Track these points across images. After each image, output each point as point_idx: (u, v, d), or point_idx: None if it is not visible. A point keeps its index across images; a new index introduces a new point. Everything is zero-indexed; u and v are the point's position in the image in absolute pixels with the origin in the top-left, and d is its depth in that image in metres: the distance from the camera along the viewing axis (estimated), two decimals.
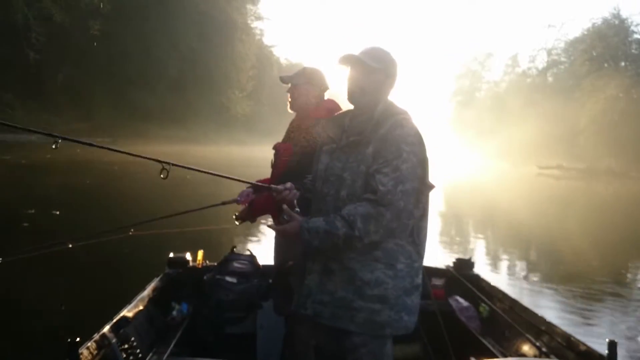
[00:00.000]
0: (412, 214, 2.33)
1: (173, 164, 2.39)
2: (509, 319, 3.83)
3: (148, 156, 2.47)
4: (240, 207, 3.60)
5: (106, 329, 3.14)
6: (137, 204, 13.14)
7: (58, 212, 11.18)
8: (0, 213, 10.89)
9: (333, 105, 3.24)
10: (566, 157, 50.88)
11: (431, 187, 2.40)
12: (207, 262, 4.61)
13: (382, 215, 2.23)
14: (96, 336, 3.00)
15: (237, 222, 3.63)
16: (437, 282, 4.55)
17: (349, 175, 2.35)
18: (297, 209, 2.45)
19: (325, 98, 3.39)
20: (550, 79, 73.36)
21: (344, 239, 2.25)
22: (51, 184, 16.50)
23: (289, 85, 3.37)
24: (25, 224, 10.02)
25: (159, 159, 2.38)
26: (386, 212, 2.23)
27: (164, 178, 2.36)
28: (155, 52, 43.50)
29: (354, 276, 2.32)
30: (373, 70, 2.43)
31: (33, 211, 11.08)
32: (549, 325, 3.64)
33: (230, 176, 2.52)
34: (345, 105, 2.68)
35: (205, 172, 2.56)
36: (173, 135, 41.86)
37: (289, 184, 2.47)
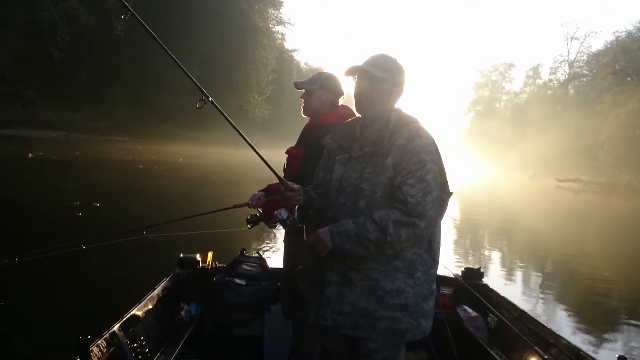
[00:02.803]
0: (437, 222, 2.35)
1: (211, 100, 2.56)
2: (517, 330, 3.80)
3: (194, 79, 2.65)
4: (252, 211, 3.63)
5: (116, 327, 3.17)
6: (162, 200, 14.13)
7: (98, 204, 12.17)
8: (56, 203, 12.28)
9: (347, 111, 3.25)
10: (586, 171, 50.38)
11: (450, 193, 2.40)
12: (217, 263, 4.63)
13: (415, 225, 2.23)
14: (106, 334, 3.03)
15: (248, 226, 3.66)
16: (446, 290, 4.53)
17: (368, 185, 2.34)
18: (296, 216, 2.45)
19: (340, 104, 3.40)
20: (571, 91, 72.89)
21: (375, 243, 2.25)
22: (86, 179, 17.45)
23: (303, 90, 3.39)
24: (79, 213, 10.95)
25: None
26: (419, 223, 2.24)
27: (198, 108, 2.56)
28: (176, 54, 43.47)
29: (376, 286, 2.32)
30: (380, 80, 2.42)
31: (78, 203, 11.96)
32: (558, 338, 3.60)
33: (263, 159, 2.53)
34: None
35: (238, 131, 2.64)
36: (191, 136, 42.10)
37: (297, 186, 2.45)
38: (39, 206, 11.93)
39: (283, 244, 3.62)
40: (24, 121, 32.20)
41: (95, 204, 12.22)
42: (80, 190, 14.36)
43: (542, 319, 4.09)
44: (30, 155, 21.87)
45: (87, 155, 25.27)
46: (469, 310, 4.30)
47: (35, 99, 34.74)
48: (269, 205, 3.44)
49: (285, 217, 2.45)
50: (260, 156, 2.53)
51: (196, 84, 2.57)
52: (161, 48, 2.48)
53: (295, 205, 2.45)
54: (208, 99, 2.53)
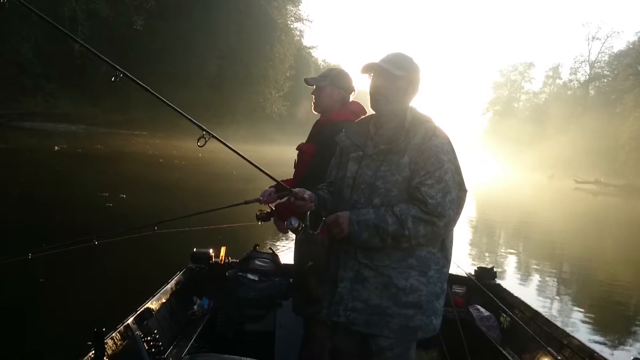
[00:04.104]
0: (455, 221, 2.35)
1: (213, 136, 2.49)
2: (530, 330, 3.78)
3: (192, 119, 2.57)
4: (262, 206, 3.64)
5: (130, 320, 3.20)
6: (182, 193, 14.63)
7: (124, 196, 12.67)
8: (87, 194, 12.80)
9: (358, 108, 3.24)
10: (605, 173, 49.88)
11: (466, 191, 2.41)
12: (230, 258, 4.66)
13: (434, 224, 2.24)
14: (120, 327, 3.06)
15: (259, 222, 3.67)
16: (458, 289, 4.52)
17: (382, 183, 2.34)
18: (308, 222, 2.45)
19: (351, 100, 3.40)
20: (592, 92, 72.12)
21: (392, 236, 2.25)
22: (111, 172, 17.89)
23: (314, 87, 3.39)
24: (110, 204, 11.60)
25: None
26: (438, 222, 2.24)
27: (200, 146, 2.48)
28: (195, 50, 43.87)
29: (389, 283, 2.32)
30: (396, 77, 2.42)
31: (107, 194, 12.52)
32: (571, 339, 3.58)
33: (259, 166, 2.50)
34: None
35: (239, 154, 2.58)
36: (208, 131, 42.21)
37: (307, 194, 2.43)
38: (72, 197, 12.40)
39: (294, 240, 3.62)
40: (44, 114, 32.53)
41: (122, 195, 12.71)
42: (106, 182, 14.85)
43: (557, 321, 4.07)
44: (56, 148, 22.43)
45: (109, 149, 25.68)
46: (482, 309, 4.30)
47: (55, 92, 35.08)
48: (281, 208, 3.44)
49: (296, 225, 2.46)
50: (268, 174, 2.52)
51: (195, 122, 2.53)
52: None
53: (307, 212, 2.44)
54: (209, 135, 2.49)
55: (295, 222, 2.46)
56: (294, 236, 3.35)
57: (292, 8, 60.88)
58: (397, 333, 2.35)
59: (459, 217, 2.39)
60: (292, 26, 62.12)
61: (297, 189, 2.44)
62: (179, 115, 2.54)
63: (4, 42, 30.08)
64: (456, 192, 2.31)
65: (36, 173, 15.77)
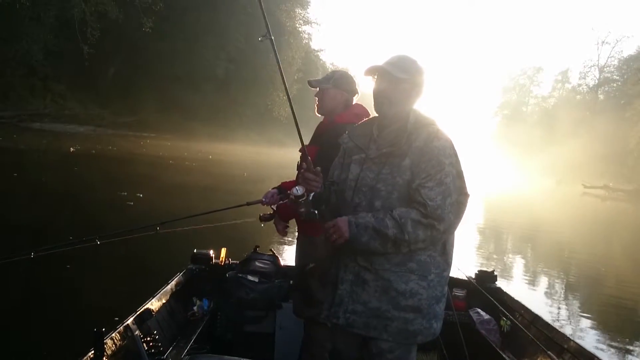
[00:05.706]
0: (455, 225, 2.34)
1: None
2: (530, 334, 3.77)
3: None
4: (266, 208, 3.64)
5: (130, 320, 3.21)
6: (189, 194, 14.90)
7: (141, 195, 13.04)
8: (110, 193, 13.23)
9: (361, 110, 3.24)
10: (614, 178, 49.58)
11: (468, 195, 2.38)
12: (230, 260, 4.67)
13: (434, 227, 2.23)
14: (120, 327, 3.07)
15: (262, 224, 3.67)
16: (459, 292, 4.50)
17: (383, 186, 2.34)
18: (310, 200, 2.40)
19: (354, 102, 3.39)
20: (601, 96, 71.71)
21: (393, 240, 2.24)
22: (125, 172, 18.40)
23: (317, 89, 3.38)
24: (130, 203, 12.04)
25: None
26: (438, 225, 2.23)
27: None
28: (203, 52, 44.02)
29: (389, 287, 2.32)
30: (399, 80, 2.41)
31: (125, 193, 12.87)
32: (572, 343, 3.56)
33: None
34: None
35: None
36: (216, 134, 42.40)
37: (318, 169, 2.41)
38: (93, 196, 12.81)
39: (296, 241, 3.63)
40: (53, 115, 32.74)
41: (139, 194, 13.03)
42: (123, 181, 15.25)
43: (563, 325, 4.06)
44: (71, 149, 22.77)
45: (121, 150, 26.01)
46: (482, 313, 4.28)
47: (64, 93, 35.29)
48: (284, 209, 3.44)
49: (300, 193, 2.38)
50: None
51: None
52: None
53: (312, 192, 2.40)
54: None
55: (300, 190, 2.39)
56: (295, 238, 3.35)
57: (300, 11, 60.88)
58: (395, 336, 2.35)
59: (459, 221, 2.37)
60: (300, 29, 62.16)
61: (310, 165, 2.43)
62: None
63: (14, 43, 30.33)
64: (457, 196, 2.30)
65: (57, 173, 16.15)
